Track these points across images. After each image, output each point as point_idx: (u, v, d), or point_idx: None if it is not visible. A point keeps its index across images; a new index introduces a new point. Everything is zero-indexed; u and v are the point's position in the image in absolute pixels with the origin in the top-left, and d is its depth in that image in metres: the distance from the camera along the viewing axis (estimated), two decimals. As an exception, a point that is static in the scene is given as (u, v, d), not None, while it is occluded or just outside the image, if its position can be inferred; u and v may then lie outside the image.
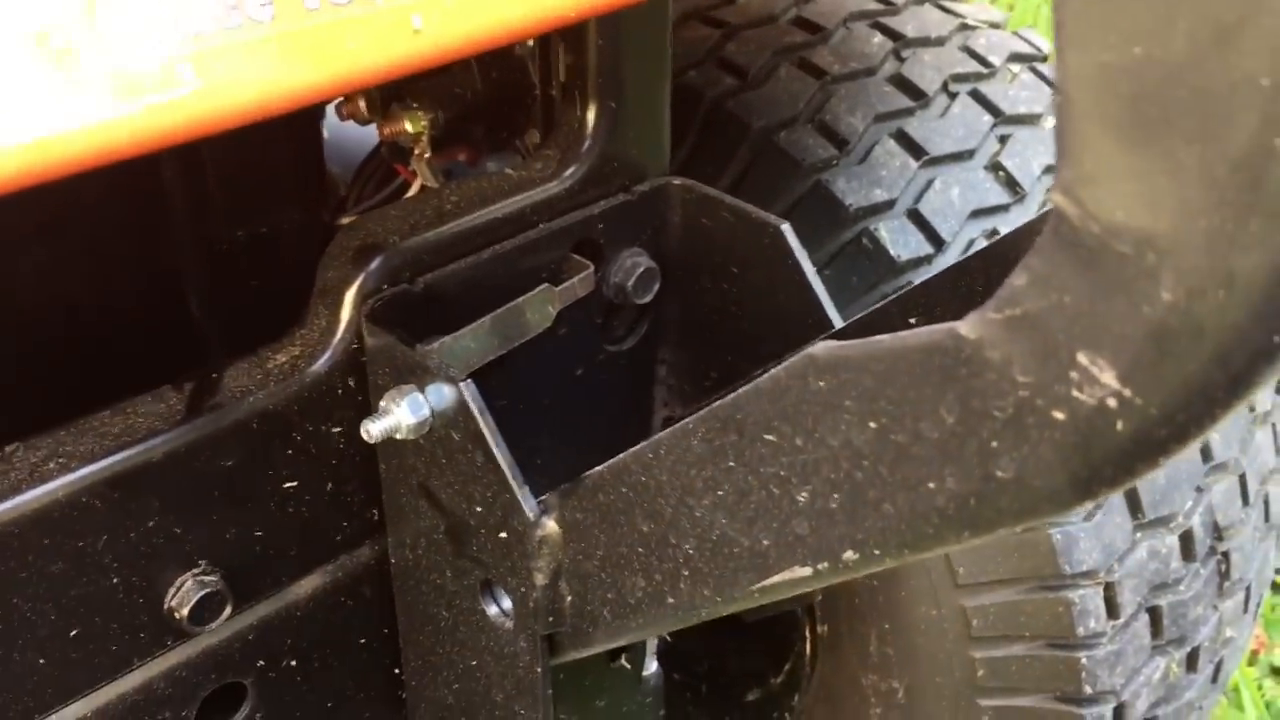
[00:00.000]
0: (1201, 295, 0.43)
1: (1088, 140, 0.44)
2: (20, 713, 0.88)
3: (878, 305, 0.87)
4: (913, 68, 1.41)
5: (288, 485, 0.97)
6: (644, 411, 1.26)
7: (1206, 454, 1.30)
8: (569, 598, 0.88)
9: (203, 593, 0.92)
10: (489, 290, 1.02)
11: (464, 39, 0.72)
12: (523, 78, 1.16)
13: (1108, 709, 1.24)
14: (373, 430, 0.89)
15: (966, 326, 0.52)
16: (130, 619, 0.91)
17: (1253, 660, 2.32)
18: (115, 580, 0.89)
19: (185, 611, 0.92)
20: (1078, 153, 0.44)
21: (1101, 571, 1.19)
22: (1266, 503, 1.42)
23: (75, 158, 0.61)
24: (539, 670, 0.93)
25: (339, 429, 0.98)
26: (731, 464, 0.70)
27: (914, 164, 1.31)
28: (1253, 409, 1.39)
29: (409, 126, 1.16)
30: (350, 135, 1.61)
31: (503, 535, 0.90)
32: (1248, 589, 1.41)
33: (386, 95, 1.18)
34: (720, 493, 0.72)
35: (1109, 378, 0.47)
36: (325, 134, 1.38)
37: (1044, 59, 1.49)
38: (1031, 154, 1.36)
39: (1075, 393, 0.49)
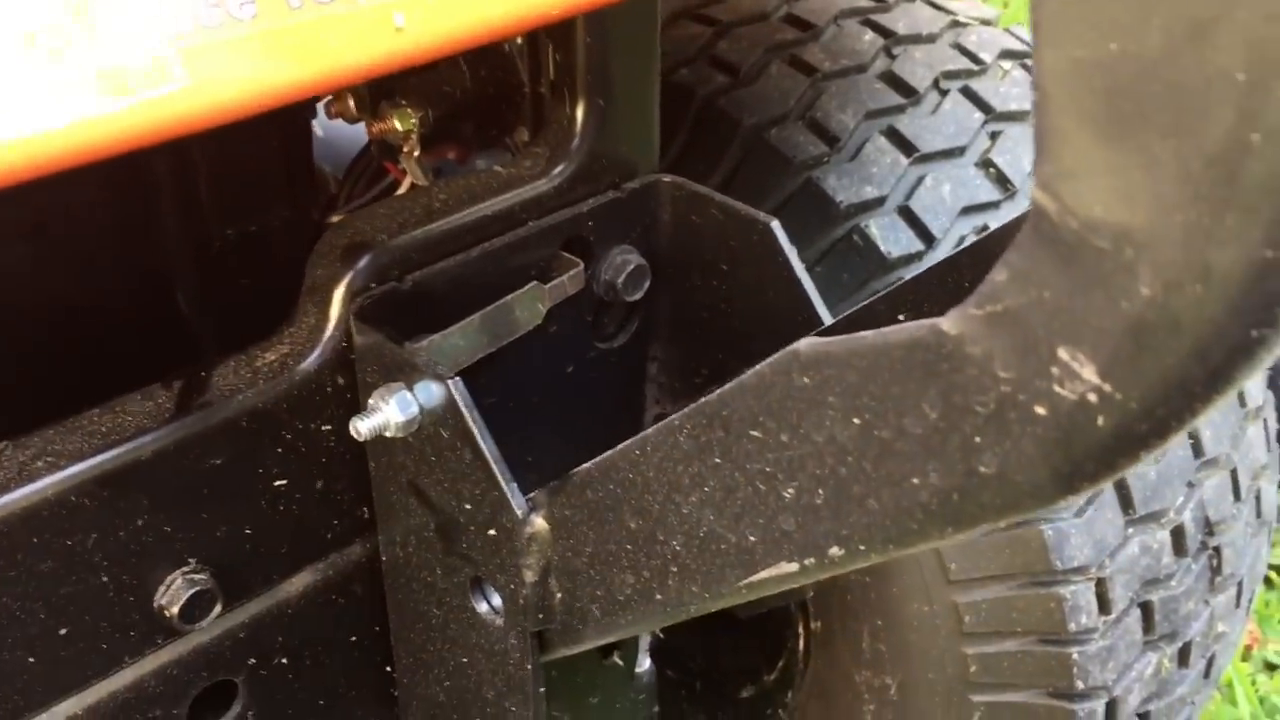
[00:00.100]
0: (1179, 290, 0.43)
1: (1065, 136, 0.44)
2: (10, 711, 0.88)
3: (865, 301, 0.87)
4: (904, 65, 1.41)
5: (277, 483, 0.97)
6: (634, 409, 1.26)
7: (1198, 449, 1.30)
8: (558, 594, 0.89)
9: (193, 591, 0.92)
10: (478, 288, 1.02)
11: (447, 37, 0.72)
12: (512, 75, 1.16)
13: (1100, 704, 1.24)
14: (362, 428, 0.89)
15: (948, 323, 0.52)
16: (120, 617, 0.91)
17: (1246, 655, 2.33)
18: (105, 579, 0.89)
19: (175, 610, 0.92)
20: (1055, 148, 0.44)
21: (1093, 567, 1.19)
22: (1258, 498, 1.42)
23: (62, 154, 0.61)
24: (529, 667, 0.93)
25: (328, 427, 0.98)
26: (718, 460, 0.70)
27: (905, 161, 1.32)
28: (1244, 404, 1.39)
29: (398, 124, 1.15)
30: (342, 133, 1.62)
31: (492, 532, 0.90)
32: (1240, 584, 1.41)
33: (375, 93, 1.17)
34: (707, 489, 0.72)
35: (1089, 373, 0.47)
36: (317, 132, 1.38)
37: (1035, 56, 1.49)
38: (1022, 151, 1.36)
39: (1056, 388, 0.49)
